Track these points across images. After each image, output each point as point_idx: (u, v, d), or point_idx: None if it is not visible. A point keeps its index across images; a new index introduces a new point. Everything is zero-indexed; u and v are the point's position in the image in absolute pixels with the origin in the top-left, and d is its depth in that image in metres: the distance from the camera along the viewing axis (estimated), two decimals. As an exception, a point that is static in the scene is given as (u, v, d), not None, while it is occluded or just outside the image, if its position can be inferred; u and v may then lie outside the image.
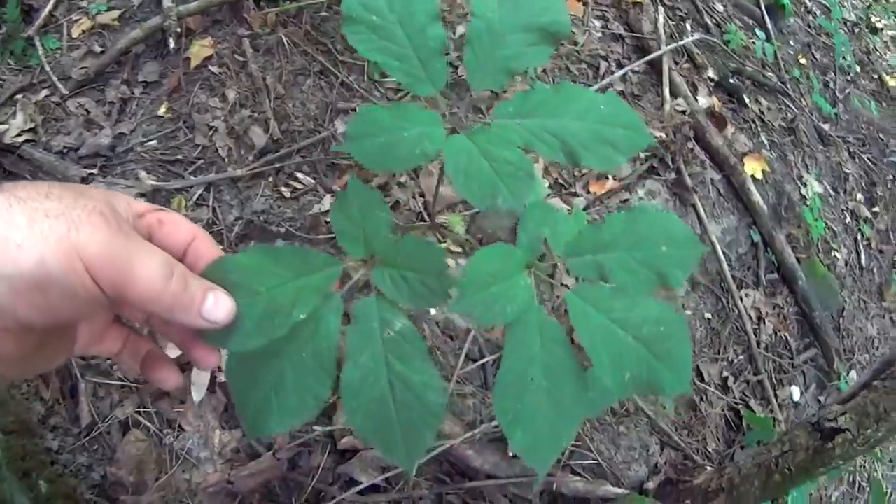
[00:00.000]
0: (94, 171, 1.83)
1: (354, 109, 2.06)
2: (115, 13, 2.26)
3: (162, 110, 2.03)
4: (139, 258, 0.48)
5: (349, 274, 0.71)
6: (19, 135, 1.88)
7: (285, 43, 2.13)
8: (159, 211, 0.57)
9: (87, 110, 2.00)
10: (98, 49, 2.16)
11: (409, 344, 0.68)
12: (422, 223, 1.89)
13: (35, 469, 1.42)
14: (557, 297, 0.74)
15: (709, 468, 2.06)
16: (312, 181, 1.96)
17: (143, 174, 1.87)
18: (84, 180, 1.72)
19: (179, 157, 1.95)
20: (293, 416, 0.64)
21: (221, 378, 1.63)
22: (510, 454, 1.77)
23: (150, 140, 1.97)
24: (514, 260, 0.76)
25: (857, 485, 2.65)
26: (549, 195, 2.14)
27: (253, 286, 0.61)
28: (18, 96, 1.99)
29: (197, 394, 1.63)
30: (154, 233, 0.55)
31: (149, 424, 1.62)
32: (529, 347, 0.71)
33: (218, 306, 0.54)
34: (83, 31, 2.22)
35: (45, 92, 2.03)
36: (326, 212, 1.89)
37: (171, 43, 2.09)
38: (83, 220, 0.45)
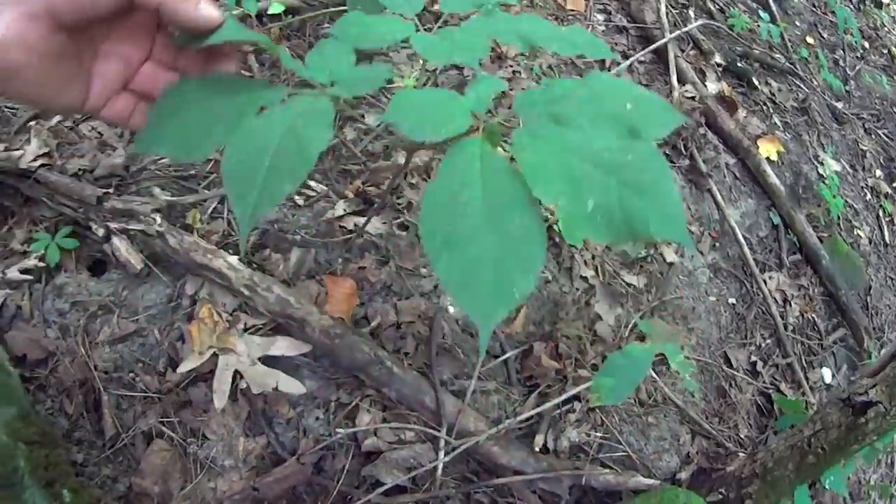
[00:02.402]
0: (110, 190, 1.85)
1: (363, 116, 2.07)
2: (122, 37, 2.30)
3: (172, 128, 2.05)
4: None
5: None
6: (35, 160, 1.91)
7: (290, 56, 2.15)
8: None
9: (99, 133, 2.02)
10: (107, 73, 2.19)
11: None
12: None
13: (58, 479, 1.43)
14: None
15: (741, 454, 2.02)
16: (325, 188, 1.96)
17: (157, 191, 1.88)
18: (100, 200, 1.74)
19: (192, 172, 1.96)
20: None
21: (243, 385, 1.63)
22: (536, 449, 1.75)
23: (163, 158, 1.99)
24: (458, 103, 0.69)
25: (895, 466, 2.59)
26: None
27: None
28: (32, 123, 2.02)
29: (219, 401, 1.63)
30: None
31: (172, 434, 1.63)
32: (467, 170, 0.60)
33: (210, 6, 0.61)
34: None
35: (57, 118, 2.06)
36: (340, 217, 1.89)
37: (178, 62, 2.12)
38: None
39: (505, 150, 0.65)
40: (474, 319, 0.55)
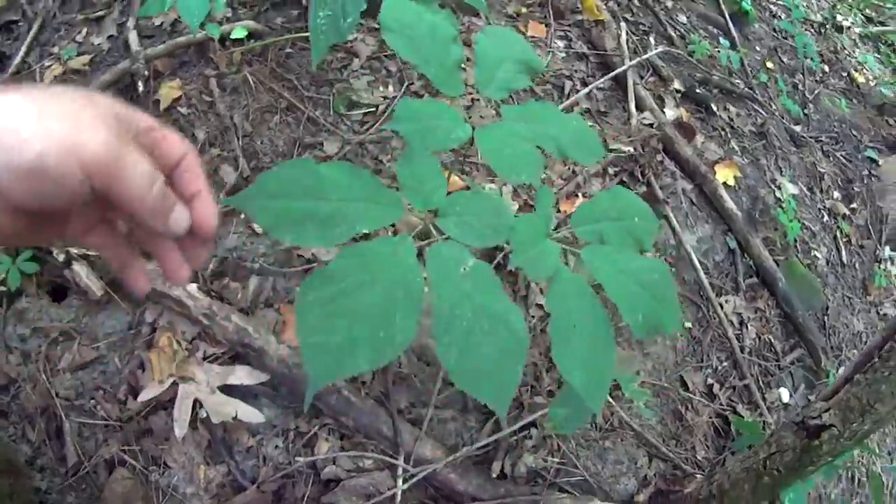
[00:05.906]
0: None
1: (322, 144, 2.08)
2: (86, 58, 2.29)
3: (134, 154, 2.05)
4: (130, 163, 0.53)
5: (410, 222, 0.88)
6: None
7: (251, 81, 2.16)
8: (163, 129, 0.63)
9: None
10: (70, 96, 2.19)
11: (485, 277, 0.78)
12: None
13: (22, 507, 1.42)
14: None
15: (699, 476, 2.06)
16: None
17: (116, 219, 1.88)
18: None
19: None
20: (379, 352, 0.68)
21: (203, 414, 1.64)
22: (494, 475, 1.77)
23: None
24: (539, 227, 0.97)
25: (856, 480, 2.64)
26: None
27: (325, 192, 0.72)
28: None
29: (180, 430, 1.64)
30: (157, 146, 0.62)
31: (134, 462, 1.63)
32: (567, 299, 0.86)
33: (180, 218, 0.61)
34: (55, 77, 2.25)
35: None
36: (298, 247, 1.91)
37: (141, 86, 2.12)
38: (87, 123, 0.51)
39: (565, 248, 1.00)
40: (591, 403, 0.79)
